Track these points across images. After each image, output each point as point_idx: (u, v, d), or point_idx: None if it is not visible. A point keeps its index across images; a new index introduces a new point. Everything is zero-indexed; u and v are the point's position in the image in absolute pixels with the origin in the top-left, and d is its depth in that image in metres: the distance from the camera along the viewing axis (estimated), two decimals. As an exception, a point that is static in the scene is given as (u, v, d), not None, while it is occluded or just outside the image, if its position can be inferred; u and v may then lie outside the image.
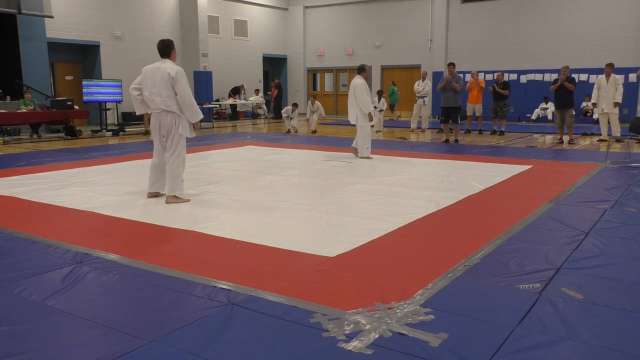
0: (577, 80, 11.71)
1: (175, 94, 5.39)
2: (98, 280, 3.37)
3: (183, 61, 18.33)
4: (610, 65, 11.25)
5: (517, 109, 17.40)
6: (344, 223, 4.71)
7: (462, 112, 13.35)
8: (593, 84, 11.94)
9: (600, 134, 11.86)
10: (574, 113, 11.24)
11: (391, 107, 18.67)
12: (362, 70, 8.99)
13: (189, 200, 5.65)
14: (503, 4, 17.79)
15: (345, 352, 2.42)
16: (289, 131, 14.32)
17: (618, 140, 10.67)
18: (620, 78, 11.61)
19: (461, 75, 13.37)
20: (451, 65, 11.58)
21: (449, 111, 11.30)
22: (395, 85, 18.56)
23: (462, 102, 13.68)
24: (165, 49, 5.58)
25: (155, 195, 5.78)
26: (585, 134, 12.81)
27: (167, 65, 5.46)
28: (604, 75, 11.30)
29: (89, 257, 3.77)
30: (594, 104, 11.65)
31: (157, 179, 5.77)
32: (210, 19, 18.75)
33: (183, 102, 5.41)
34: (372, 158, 8.79)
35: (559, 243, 4.07)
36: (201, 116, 5.65)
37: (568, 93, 11.02)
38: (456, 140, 11.41)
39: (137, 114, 5.83)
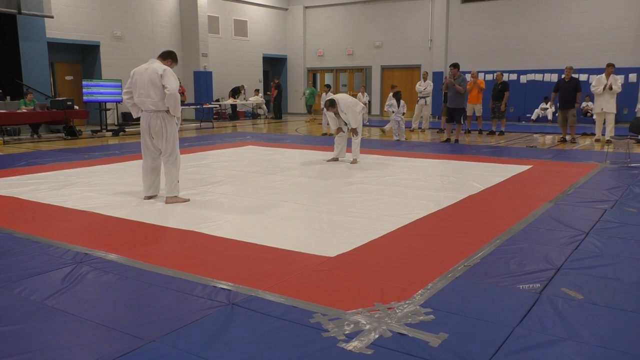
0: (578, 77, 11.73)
1: (164, 87, 5.29)
2: (98, 280, 3.37)
3: (183, 61, 18.35)
4: (611, 65, 11.27)
5: (517, 109, 17.41)
6: (344, 223, 4.71)
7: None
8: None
9: (595, 134, 11.92)
10: (575, 113, 11.34)
11: (309, 109, 18.83)
12: (332, 105, 8.19)
13: (188, 200, 5.65)
14: (503, 4, 17.80)
15: (345, 352, 2.42)
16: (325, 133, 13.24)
17: (609, 142, 10.73)
18: (620, 78, 11.63)
19: (465, 75, 13.29)
20: (452, 66, 11.28)
21: (452, 112, 11.31)
22: (311, 85, 18.79)
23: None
24: (170, 54, 5.60)
25: (151, 197, 5.75)
26: (585, 134, 12.81)
27: (156, 65, 5.41)
28: (603, 75, 11.32)
29: (89, 257, 3.77)
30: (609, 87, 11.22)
31: (153, 182, 5.73)
32: (210, 19, 18.76)
33: (169, 96, 5.30)
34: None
35: (559, 243, 4.07)
36: (180, 113, 5.63)
37: (571, 93, 11.17)
38: (456, 141, 11.41)
39: (134, 117, 5.78)
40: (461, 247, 4.01)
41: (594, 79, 11.68)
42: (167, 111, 5.43)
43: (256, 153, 9.90)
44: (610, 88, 11.10)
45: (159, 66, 5.40)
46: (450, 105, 11.33)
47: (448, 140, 11.43)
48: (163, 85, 5.31)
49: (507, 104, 13.10)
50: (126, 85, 5.60)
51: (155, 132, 5.47)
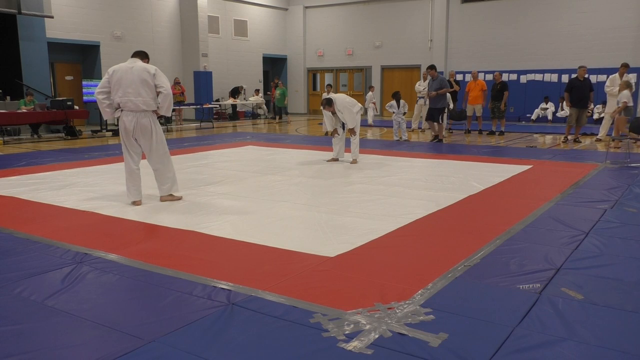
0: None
1: (156, 87, 5.25)
2: (98, 280, 3.37)
3: (183, 61, 18.37)
4: (626, 65, 11.28)
5: (517, 109, 17.40)
6: (344, 223, 4.71)
7: (462, 112, 13.36)
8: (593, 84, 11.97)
9: (597, 134, 11.91)
10: (587, 112, 11.53)
11: (279, 111, 18.59)
12: (328, 104, 8.17)
13: (180, 197, 5.67)
14: (503, 4, 17.79)
15: (345, 352, 2.42)
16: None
17: (618, 140, 10.71)
18: (632, 77, 11.69)
19: (460, 75, 13.33)
20: (430, 68, 11.61)
21: (432, 111, 11.56)
22: (282, 85, 18.58)
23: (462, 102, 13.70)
24: (145, 53, 5.52)
25: (137, 202, 5.49)
26: (585, 134, 12.81)
27: (141, 65, 5.31)
28: (617, 74, 11.32)
29: (89, 257, 3.77)
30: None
31: (139, 186, 5.53)
32: (210, 19, 18.76)
33: (166, 96, 5.28)
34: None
35: (559, 243, 4.07)
36: (170, 113, 5.67)
37: (587, 92, 11.25)
38: (440, 139, 11.54)
39: (105, 118, 5.66)
40: (461, 247, 4.01)
41: (607, 79, 11.65)
42: (154, 111, 5.38)
43: (256, 153, 9.90)
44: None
45: (147, 66, 5.32)
46: (431, 105, 11.58)
47: (436, 137, 11.56)
48: (156, 85, 5.27)
49: (506, 103, 13.10)
50: (103, 84, 5.29)
51: (143, 132, 5.33)
